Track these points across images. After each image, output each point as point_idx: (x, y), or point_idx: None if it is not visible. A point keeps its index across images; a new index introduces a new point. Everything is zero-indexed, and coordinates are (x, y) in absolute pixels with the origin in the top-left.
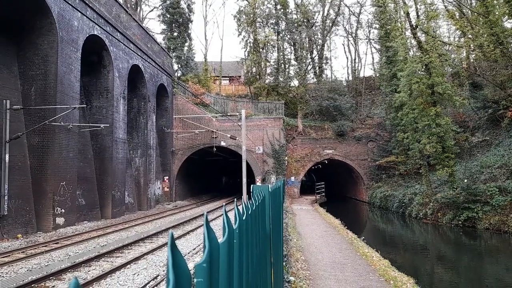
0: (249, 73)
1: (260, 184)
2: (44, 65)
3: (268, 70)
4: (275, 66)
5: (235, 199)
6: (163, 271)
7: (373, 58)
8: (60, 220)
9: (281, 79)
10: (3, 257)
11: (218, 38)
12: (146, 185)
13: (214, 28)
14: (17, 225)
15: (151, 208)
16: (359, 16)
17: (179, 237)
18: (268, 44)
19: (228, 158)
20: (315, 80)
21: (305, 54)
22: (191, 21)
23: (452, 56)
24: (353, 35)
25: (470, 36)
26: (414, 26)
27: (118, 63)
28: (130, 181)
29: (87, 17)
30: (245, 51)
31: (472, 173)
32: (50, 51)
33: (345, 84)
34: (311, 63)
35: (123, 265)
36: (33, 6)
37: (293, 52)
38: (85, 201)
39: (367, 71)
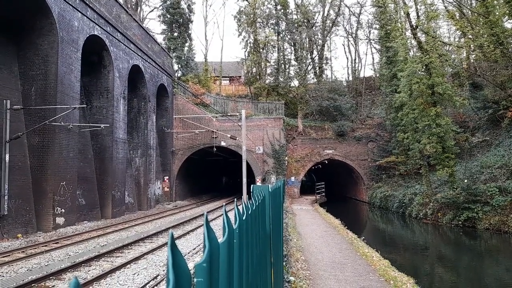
0: (249, 73)
1: (260, 184)
2: (44, 65)
3: (268, 70)
4: (275, 66)
5: (235, 199)
6: (163, 271)
7: (373, 59)
8: (60, 220)
9: (281, 79)
10: (3, 256)
11: (218, 38)
12: (146, 185)
13: (215, 29)
14: (17, 225)
15: (151, 208)
16: (359, 16)
17: (179, 237)
18: (268, 44)
19: (228, 158)
20: (315, 80)
21: (305, 55)
22: (192, 22)
23: (452, 56)
24: (353, 35)
25: (470, 36)
26: (414, 27)
27: (118, 63)
28: (130, 181)
29: (87, 17)
30: (245, 51)
31: (472, 173)
32: (51, 51)
33: (345, 84)
34: (311, 63)
35: (123, 265)
36: (33, 6)
37: (293, 52)
38: (85, 201)
39: (367, 72)
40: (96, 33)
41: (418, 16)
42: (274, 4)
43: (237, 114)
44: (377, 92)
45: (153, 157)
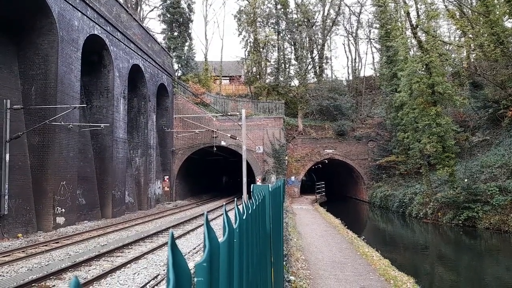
0: (250, 73)
1: (260, 184)
2: (44, 64)
3: (269, 70)
4: (276, 65)
5: (235, 199)
6: (164, 270)
7: (373, 58)
8: (60, 220)
9: (281, 78)
10: (4, 256)
11: (218, 37)
12: (147, 185)
13: (215, 28)
14: (18, 225)
15: (151, 207)
16: (359, 15)
17: (179, 237)
18: (269, 44)
19: (228, 157)
20: (315, 79)
21: (305, 54)
22: (192, 21)
23: (453, 55)
24: (354, 34)
25: (470, 35)
26: (414, 26)
27: (118, 62)
28: (131, 180)
29: (87, 16)
30: (245, 50)
31: (473, 173)
32: (51, 51)
33: (345, 84)
34: (311, 62)
35: (124, 265)
36: (33, 6)
37: (293, 51)
38: (85, 201)
39: (367, 71)
40: (96, 32)
41: (418, 15)
42: (274, 3)
43: (237, 113)
44: (377, 92)
45: (153, 157)
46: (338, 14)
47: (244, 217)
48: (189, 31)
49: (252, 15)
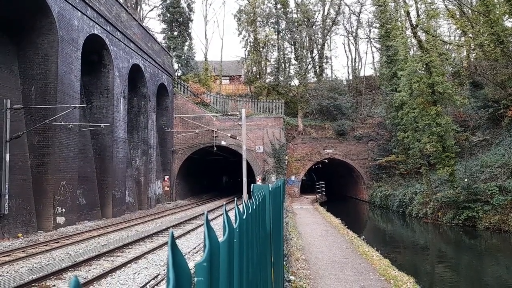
0: (250, 73)
1: (260, 184)
2: (44, 64)
3: (269, 70)
4: (276, 65)
5: (236, 199)
6: (164, 270)
7: (373, 57)
8: (60, 219)
9: (281, 78)
10: (4, 256)
11: (218, 37)
12: (147, 185)
13: (214, 28)
14: (18, 224)
15: (151, 207)
16: (359, 15)
17: (180, 236)
18: (268, 44)
19: (229, 157)
20: (315, 79)
21: (305, 54)
22: (191, 20)
23: (453, 55)
24: (354, 34)
25: (470, 35)
26: (414, 25)
27: (118, 62)
28: (131, 180)
29: (87, 16)
30: (245, 50)
31: (473, 173)
32: (51, 51)
33: (345, 84)
34: (311, 62)
35: (124, 264)
36: (33, 6)
37: (293, 51)
38: (85, 201)
39: (367, 71)
40: (96, 32)
41: (418, 15)
42: (274, 3)
43: (237, 113)
44: (377, 91)
45: (154, 157)
46: (338, 14)
47: (244, 217)
48: (189, 30)
49: (252, 14)
